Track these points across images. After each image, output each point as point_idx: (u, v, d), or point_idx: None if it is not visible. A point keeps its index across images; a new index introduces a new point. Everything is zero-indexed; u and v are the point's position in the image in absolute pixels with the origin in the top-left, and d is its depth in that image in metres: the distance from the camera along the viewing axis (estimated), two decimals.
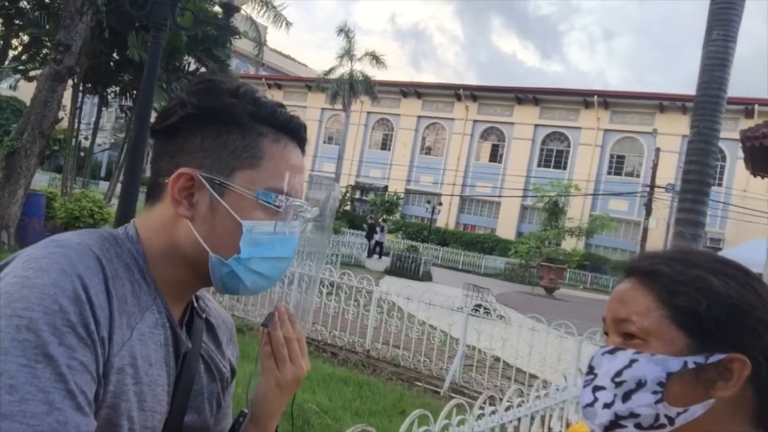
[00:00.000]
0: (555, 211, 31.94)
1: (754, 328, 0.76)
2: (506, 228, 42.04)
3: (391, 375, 6.90)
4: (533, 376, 7.06)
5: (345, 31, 36.86)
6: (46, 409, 0.66)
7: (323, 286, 8.19)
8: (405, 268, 20.70)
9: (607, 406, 0.79)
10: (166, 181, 0.85)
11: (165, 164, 0.86)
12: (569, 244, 36.51)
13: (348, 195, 45.74)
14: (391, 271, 20.27)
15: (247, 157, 0.85)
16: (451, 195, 43.00)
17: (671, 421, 0.76)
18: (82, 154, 23.61)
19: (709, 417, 0.76)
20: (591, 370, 0.83)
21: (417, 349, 7.19)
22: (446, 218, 43.43)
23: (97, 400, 0.73)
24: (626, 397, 0.78)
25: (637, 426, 0.77)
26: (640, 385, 0.77)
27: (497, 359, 7.20)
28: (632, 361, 0.78)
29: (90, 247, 0.78)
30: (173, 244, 0.85)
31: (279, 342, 0.95)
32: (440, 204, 40.40)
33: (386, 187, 45.89)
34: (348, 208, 45.18)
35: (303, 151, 0.92)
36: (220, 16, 12.62)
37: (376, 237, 28.61)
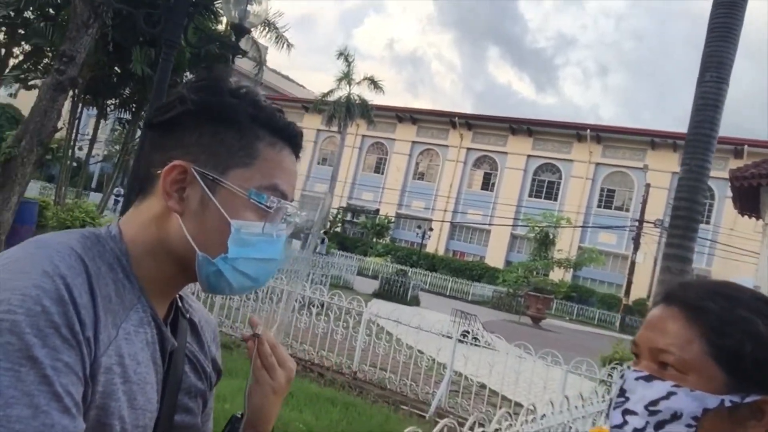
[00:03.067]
0: (545, 242, 32.11)
1: None
2: (495, 256, 42.17)
3: (377, 397, 6.91)
4: (518, 404, 7.09)
5: (345, 55, 37.25)
6: (32, 413, 0.64)
7: (313, 306, 8.23)
8: (393, 292, 20.72)
9: (637, 431, 0.81)
10: (159, 172, 0.84)
11: (158, 157, 0.85)
12: (557, 275, 36.67)
13: (339, 217, 45.78)
14: (379, 294, 20.27)
15: (242, 156, 0.85)
16: (442, 221, 43.17)
17: None
18: (75, 164, 23.60)
19: None
20: (622, 393, 0.84)
21: (404, 372, 7.21)
22: (436, 244, 43.53)
23: (85, 401, 0.72)
24: (659, 426, 0.80)
25: None
26: (675, 417, 0.79)
27: (483, 386, 7.23)
28: (670, 394, 0.80)
29: (72, 246, 0.77)
30: (160, 238, 0.84)
31: (266, 352, 0.98)
32: (431, 229, 40.53)
33: (378, 210, 46.03)
34: (339, 229, 45.18)
35: (297, 157, 0.92)
36: (223, 35, 12.79)
37: (317, 248, 28.45)
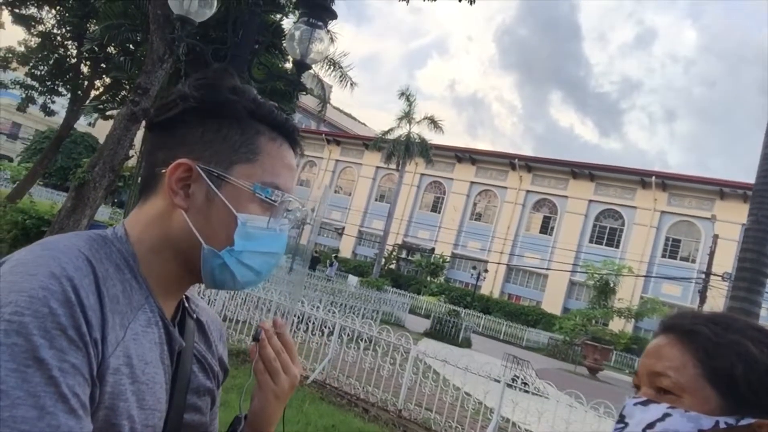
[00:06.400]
0: (605, 290, 31.14)
1: None
2: (552, 302, 41.13)
3: None
4: None
5: (407, 95, 37.84)
6: (37, 414, 0.65)
7: (361, 340, 8.21)
8: (445, 332, 20.44)
9: None
10: (163, 171, 0.85)
11: (162, 156, 0.87)
12: (617, 325, 35.38)
13: (394, 254, 45.82)
14: (430, 334, 20.03)
15: (245, 152, 0.87)
16: (498, 263, 42.57)
17: None
18: None
19: None
20: (622, 419, 0.86)
21: (450, 414, 7.06)
22: (491, 286, 42.87)
23: (93, 402, 0.72)
24: None
25: None
26: None
27: None
28: (666, 415, 0.81)
29: (79, 248, 0.77)
30: (166, 236, 0.86)
31: (270, 357, 0.99)
32: (486, 271, 40.00)
33: (433, 249, 45.85)
34: (393, 266, 45.15)
35: (296, 153, 0.94)
36: (290, 73, 13.25)
37: (326, 271, 30.44)
